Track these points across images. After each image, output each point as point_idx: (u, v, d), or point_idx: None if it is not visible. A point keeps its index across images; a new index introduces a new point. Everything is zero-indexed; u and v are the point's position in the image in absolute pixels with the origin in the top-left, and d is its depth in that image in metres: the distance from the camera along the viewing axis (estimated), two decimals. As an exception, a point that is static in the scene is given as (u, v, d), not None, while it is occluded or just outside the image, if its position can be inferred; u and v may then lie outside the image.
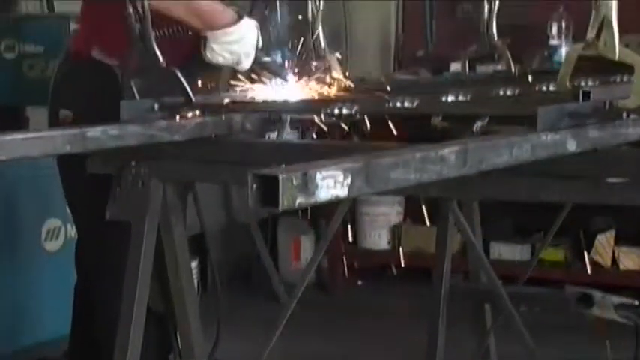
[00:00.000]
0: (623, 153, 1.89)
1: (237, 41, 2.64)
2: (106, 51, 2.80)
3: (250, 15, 2.77)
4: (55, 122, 2.84)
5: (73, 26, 4.51)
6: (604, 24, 1.91)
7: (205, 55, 2.67)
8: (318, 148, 2.21)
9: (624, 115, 1.87)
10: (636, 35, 4.71)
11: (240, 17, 2.66)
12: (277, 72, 2.66)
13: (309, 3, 2.71)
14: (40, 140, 1.95)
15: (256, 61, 2.69)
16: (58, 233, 4.60)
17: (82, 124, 2.09)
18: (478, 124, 2.24)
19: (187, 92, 2.30)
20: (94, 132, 2.02)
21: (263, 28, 2.78)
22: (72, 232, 4.46)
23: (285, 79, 2.64)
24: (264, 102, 2.47)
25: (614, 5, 1.90)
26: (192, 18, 2.62)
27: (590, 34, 1.93)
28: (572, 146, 1.80)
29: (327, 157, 1.44)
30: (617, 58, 1.91)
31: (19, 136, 1.91)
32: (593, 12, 1.93)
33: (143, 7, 2.29)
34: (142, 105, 2.28)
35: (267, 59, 2.69)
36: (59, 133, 2.00)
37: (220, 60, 2.67)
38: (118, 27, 2.40)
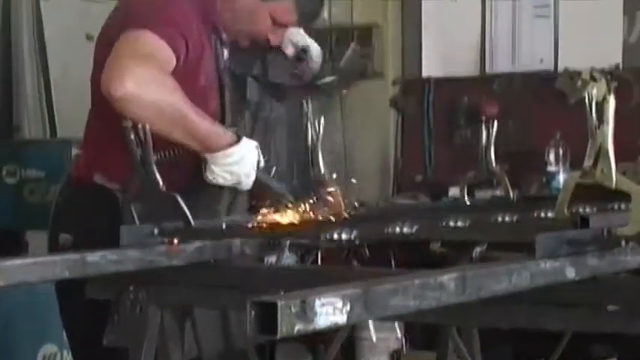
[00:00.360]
0: (623, 280, 1.89)
1: (237, 162, 2.66)
2: (107, 176, 2.81)
3: (252, 136, 2.80)
4: (55, 246, 2.84)
5: (75, 151, 4.55)
6: (601, 152, 1.92)
7: (206, 177, 2.69)
8: (317, 273, 2.20)
9: (623, 242, 1.87)
10: (634, 163, 4.76)
11: (239, 138, 2.68)
12: (278, 192, 2.68)
13: (309, 128, 2.74)
14: (38, 266, 1.95)
15: (257, 182, 2.70)
16: (55, 359, 4.55)
17: (82, 248, 2.09)
18: (477, 250, 2.24)
19: (187, 217, 2.30)
20: (94, 257, 2.02)
21: (264, 149, 2.80)
22: (68, 357, 4.41)
23: (286, 198, 2.65)
24: (263, 226, 2.47)
25: (610, 134, 1.92)
26: (190, 141, 2.64)
27: (588, 163, 1.95)
28: (571, 274, 1.79)
29: (326, 283, 1.44)
30: (614, 186, 1.92)
31: (17, 261, 1.91)
32: (590, 140, 1.95)
33: (145, 132, 2.32)
34: (142, 230, 2.29)
35: (268, 179, 2.71)
36: (58, 259, 2.00)
37: (221, 181, 2.69)
38: (120, 152, 2.42)
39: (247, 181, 2.70)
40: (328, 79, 4.57)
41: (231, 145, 2.67)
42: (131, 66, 2.53)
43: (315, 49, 3.08)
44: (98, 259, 2.03)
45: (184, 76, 2.66)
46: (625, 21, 5.29)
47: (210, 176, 2.69)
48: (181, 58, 2.67)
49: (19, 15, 5.69)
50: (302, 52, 3.05)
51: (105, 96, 2.52)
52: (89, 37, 5.79)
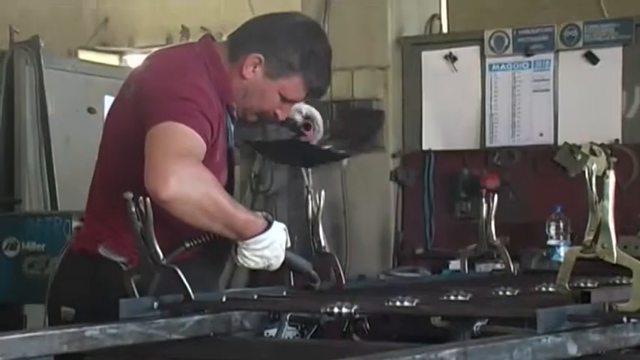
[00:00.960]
0: (625, 357, 1.87)
1: (268, 246, 2.67)
2: (108, 248, 2.81)
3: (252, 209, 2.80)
4: (55, 319, 2.82)
5: (75, 224, 4.55)
6: (601, 227, 1.92)
7: (237, 260, 2.70)
8: (317, 347, 2.18)
9: (624, 318, 1.86)
10: (635, 237, 4.75)
11: (269, 223, 2.68)
12: (306, 270, 2.68)
13: (310, 201, 2.74)
14: (36, 340, 1.93)
15: (286, 261, 2.71)
16: None
17: (84, 320, 2.08)
18: (478, 325, 2.23)
19: (187, 290, 2.30)
20: (93, 331, 2.01)
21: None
22: None
23: (313, 277, 2.66)
24: (264, 299, 2.47)
25: (610, 209, 1.92)
26: (228, 232, 2.66)
27: (588, 237, 1.95)
28: (573, 349, 1.78)
29: (327, 357, 1.43)
30: (615, 261, 1.92)
31: (16, 335, 1.90)
32: (590, 215, 1.95)
33: (145, 205, 2.32)
34: (142, 303, 2.28)
35: (295, 258, 2.72)
36: (57, 333, 1.99)
37: (252, 264, 2.69)
38: (121, 225, 2.42)
39: (277, 262, 2.71)
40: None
41: (262, 231, 2.68)
42: (172, 165, 2.56)
43: (318, 116, 3.20)
44: (97, 333, 2.02)
45: (205, 154, 2.69)
46: (624, 97, 5.32)
47: (240, 260, 2.70)
48: (209, 142, 2.71)
49: (21, 88, 5.74)
50: (308, 120, 3.18)
51: (150, 195, 2.52)
52: (91, 111, 5.84)
